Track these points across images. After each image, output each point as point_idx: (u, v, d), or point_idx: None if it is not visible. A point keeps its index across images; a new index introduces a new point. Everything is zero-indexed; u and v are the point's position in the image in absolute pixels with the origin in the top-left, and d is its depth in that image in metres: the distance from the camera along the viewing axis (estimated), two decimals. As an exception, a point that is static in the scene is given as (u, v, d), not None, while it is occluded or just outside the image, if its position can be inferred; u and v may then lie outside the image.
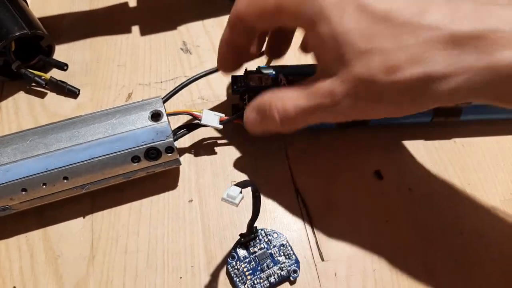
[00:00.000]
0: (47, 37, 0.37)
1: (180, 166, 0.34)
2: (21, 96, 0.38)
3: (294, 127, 0.27)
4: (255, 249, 0.30)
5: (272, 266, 0.29)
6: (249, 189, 0.25)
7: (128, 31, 0.41)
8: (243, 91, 0.33)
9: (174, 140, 0.31)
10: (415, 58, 0.21)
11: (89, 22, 0.42)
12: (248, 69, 0.34)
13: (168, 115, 0.31)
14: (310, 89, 0.25)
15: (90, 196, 0.33)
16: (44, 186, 0.29)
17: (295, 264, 0.30)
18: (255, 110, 0.28)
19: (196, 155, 0.35)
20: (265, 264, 0.30)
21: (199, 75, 0.33)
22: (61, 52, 0.40)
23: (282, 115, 0.26)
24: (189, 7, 0.43)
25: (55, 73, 0.38)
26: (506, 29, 0.20)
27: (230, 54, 0.30)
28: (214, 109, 0.35)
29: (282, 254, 0.30)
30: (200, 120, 0.32)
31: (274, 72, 0.33)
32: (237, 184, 0.24)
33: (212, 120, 0.32)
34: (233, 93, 0.34)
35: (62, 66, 0.37)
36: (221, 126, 0.32)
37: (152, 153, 0.30)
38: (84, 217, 0.32)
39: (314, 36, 0.24)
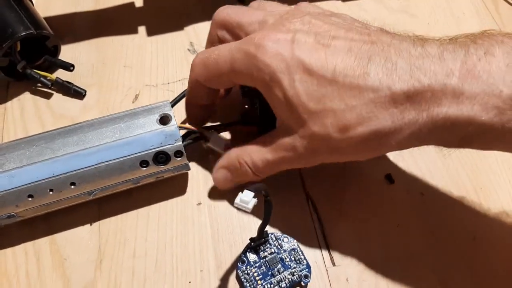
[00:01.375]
0: (53, 37, 0.37)
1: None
2: (26, 96, 0.37)
3: (267, 175, 0.29)
4: (266, 253, 0.30)
5: (283, 271, 0.29)
6: (260, 193, 0.25)
7: (135, 31, 0.41)
8: (253, 92, 0.33)
9: (186, 146, 0.30)
10: (363, 117, 0.24)
11: (95, 22, 0.42)
12: None
13: (179, 128, 0.30)
14: (274, 144, 0.27)
15: (97, 202, 0.32)
16: (51, 192, 0.29)
17: (306, 269, 0.29)
18: (225, 169, 0.29)
19: (204, 158, 0.34)
20: (275, 269, 0.29)
21: None
22: (66, 53, 0.39)
23: (254, 170, 0.28)
24: (196, 7, 0.43)
25: (60, 74, 0.38)
26: (438, 86, 0.22)
27: (197, 112, 0.32)
28: (223, 113, 0.35)
29: (293, 259, 0.30)
30: (208, 141, 0.32)
31: None
32: (249, 188, 0.23)
33: (219, 144, 0.32)
34: (243, 94, 0.33)
35: (68, 67, 0.37)
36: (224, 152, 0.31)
37: (161, 157, 0.30)
38: (91, 224, 0.32)
39: (270, 97, 0.26)
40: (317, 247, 0.31)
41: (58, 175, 0.28)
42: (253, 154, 0.28)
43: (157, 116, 0.30)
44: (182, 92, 0.33)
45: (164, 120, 0.30)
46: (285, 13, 0.28)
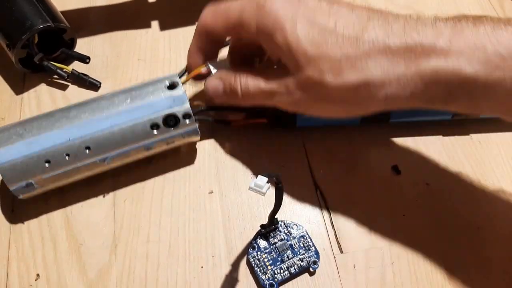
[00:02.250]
0: (69, 30, 0.38)
1: (200, 159, 0.35)
2: (43, 88, 0.38)
3: (252, 103, 0.30)
4: (275, 240, 0.31)
5: (292, 257, 0.30)
6: (272, 180, 0.25)
7: (148, 25, 0.42)
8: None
9: (196, 122, 0.32)
10: (357, 65, 0.25)
11: (109, 16, 0.43)
12: None
13: (182, 83, 0.32)
14: (271, 76, 0.29)
15: (111, 178, 0.33)
16: (67, 157, 0.30)
17: (315, 256, 0.30)
18: (220, 79, 0.31)
19: (215, 148, 0.35)
20: (285, 255, 0.30)
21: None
22: (82, 46, 0.40)
23: (244, 90, 0.30)
24: (208, 2, 0.43)
25: (76, 66, 0.39)
26: (428, 43, 0.24)
27: (199, 61, 0.33)
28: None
29: (302, 245, 0.30)
30: (211, 73, 0.33)
31: None
32: (263, 174, 0.24)
33: (223, 65, 0.33)
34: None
35: (84, 59, 0.38)
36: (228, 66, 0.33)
37: (170, 120, 0.31)
38: (104, 196, 0.33)
39: (271, 45, 0.28)
40: (325, 235, 0.32)
41: (73, 139, 0.30)
42: (249, 78, 0.29)
43: (165, 83, 0.32)
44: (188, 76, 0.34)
45: (172, 87, 0.32)
46: None
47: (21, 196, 0.31)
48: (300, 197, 0.33)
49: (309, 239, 0.31)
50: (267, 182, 0.24)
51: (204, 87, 0.32)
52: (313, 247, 0.30)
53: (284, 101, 0.29)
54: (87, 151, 0.30)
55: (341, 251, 0.31)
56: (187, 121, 0.31)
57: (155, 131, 0.31)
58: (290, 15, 0.27)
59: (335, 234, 0.32)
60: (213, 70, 0.32)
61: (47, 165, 0.30)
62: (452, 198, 0.33)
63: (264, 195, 0.24)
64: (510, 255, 0.31)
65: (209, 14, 0.30)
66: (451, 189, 0.33)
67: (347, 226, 0.32)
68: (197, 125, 0.32)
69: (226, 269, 0.30)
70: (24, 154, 0.29)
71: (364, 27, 0.26)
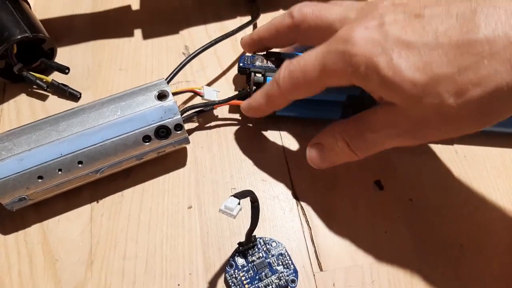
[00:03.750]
0: (49, 40, 0.37)
1: (180, 172, 0.34)
2: (22, 98, 0.38)
3: (367, 154, 0.28)
4: (254, 258, 0.30)
5: (270, 275, 0.29)
6: (248, 198, 0.25)
7: (130, 34, 0.41)
8: (248, 69, 0.34)
9: (184, 120, 0.32)
10: (481, 75, 0.21)
11: (91, 25, 0.42)
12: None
13: (173, 94, 0.32)
14: (375, 121, 0.26)
15: (90, 190, 0.33)
16: (59, 172, 0.30)
17: (294, 274, 0.30)
18: (318, 146, 0.29)
19: (195, 162, 0.35)
20: (263, 273, 0.29)
21: (201, 49, 0.35)
22: (62, 55, 0.40)
23: (352, 147, 0.27)
24: (192, 11, 0.43)
25: (56, 76, 0.38)
26: None
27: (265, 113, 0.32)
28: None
29: (280, 263, 0.30)
30: (202, 96, 0.34)
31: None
32: (235, 195, 0.24)
33: (212, 95, 0.34)
34: (239, 72, 0.34)
35: (64, 70, 0.37)
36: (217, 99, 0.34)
37: (162, 131, 0.31)
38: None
39: (370, 87, 0.24)
40: (305, 252, 0.31)
41: (65, 155, 0.30)
42: (351, 132, 0.27)
43: (155, 93, 0.31)
44: (174, 70, 0.34)
45: (162, 96, 0.31)
46: (365, 4, 0.26)
47: (14, 209, 0.30)
48: (281, 212, 0.32)
49: (288, 257, 0.30)
50: (239, 204, 0.24)
51: (307, 158, 0.30)
52: (292, 265, 0.30)
53: (401, 141, 0.26)
54: (80, 165, 0.30)
55: (321, 269, 0.30)
56: (178, 132, 0.31)
57: (146, 143, 0.31)
58: (380, 50, 0.23)
59: (315, 251, 0.31)
60: (206, 94, 0.34)
61: (40, 180, 0.30)
62: (436, 214, 0.32)
63: (234, 218, 0.23)
64: (493, 273, 0.30)
65: (287, 83, 0.28)
66: (435, 205, 0.33)
67: (328, 243, 0.31)
68: (187, 134, 0.32)
69: (203, 287, 0.30)
70: (16, 171, 0.29)
71: (474, 26, 0.21)
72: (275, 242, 0.31)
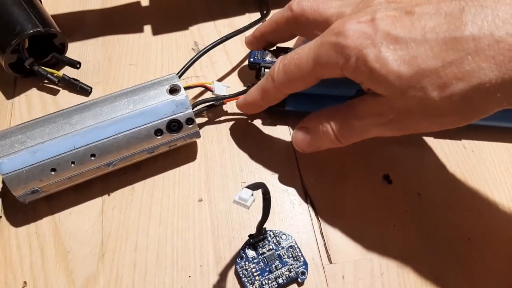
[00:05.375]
0: (60, 35, 0.37)
1: (191, 166, 0.34)
2: (33, 93, 0.38)
3: (351, 142, 0.28)
4: (264, 250, 0.30)
5: (281, 267, 0.30)
6: (259, 191, 0.25)
7: (140, 30, 0.42)
8: (258, 64, 0.34)
9: (194, 115, 0.32)
10: (465, 70, 0.21)
11: (102, 20, 0.43)
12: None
13: (184, 88, 0.32)
14: (362, 110, 0.26)
15: (100, 190, 0.33)
16: (72, 165, 0.30)
17: (303, 266, 0.30)
18: (305, 130, 0.30)
19: (205, 156, 0.35)
20: (273, 265, 0.30)
21: (211, 45, 0.36)
22: (73, 50, 0.40)
23: (336, 132, 0.28)
24: (201, 7, 0.43)
25: (67, 71, 0.38)
26: None
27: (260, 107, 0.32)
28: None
29: (290, 255, 0.30)
30: (212, 91, 0.34)
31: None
32: (248, 186, 0.24)
33: (222, 90, 0.35)
34: (249, 67, 0.35)
35: (75, 64, 0.38)
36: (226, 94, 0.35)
37: (173, 125, 0.31)
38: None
39: (360, 79, 0.25)
40: (314, 245, 0.31)
41: (78, 147, 0.30)
42: (337, 118, 0.27)
43: (166, 87, 0.32)
44: (185, 65, 0.35)
45: (174, 90, 0.32)
46: (361, 1, 0.27)
47: (26, 201, 0.31)
48: (290, 206, 0.33)
49: (298, 249, 0.30)
50: (252, 195, 0.24)
51: (292, 141, 0.31)
52: (302, 258, 0.30)
53: (385, 130, 0.26)
54: (92, 158, 0.30)
55: (330, 262, 0.31)
56: (190, 125, 0.32)
57: (158, 136, 0.31)
58: (370, 42, 0.24)
59: (325, 244, 0.31)
60: (216, 89, 0.34)
61: (52, 173, 0.30)
62: (444, 208, 0.33)
63: (248, 209, 0.23)
64: (500, 267, 0.30)
65: (282, 76, 0.28)
66: (443, 199, 0.33)
67: (337, 236, 0.32)
68: (198, 128, 0.32)
69: (213, 278, 0.30)
70: (29, 163, 0.29)
71: (461, 23, 0.21)
72: (285, 234, 0.31)
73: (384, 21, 0.24)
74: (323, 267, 0.30)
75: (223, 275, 0.30)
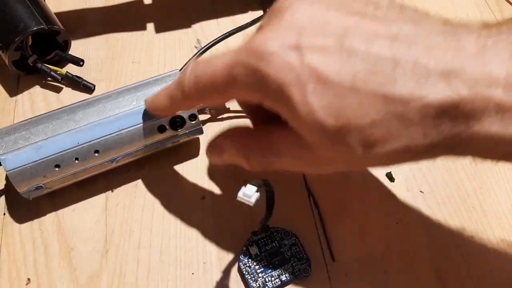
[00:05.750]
0: (63, 32, 0.37)
1: (193, 163, 0.35)
2: (36, 90, 0.38)
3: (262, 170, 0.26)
4: (267, 247, 0.30)
5: (284, 265, 0.30)
6: (262, 187, 0.25)
7: (143, 28, 0.42)
8: None
9: (198, 111, 0.32)
10: (391, 133, 0.20)
11: (105, 18, 0.43)
12: None
13: None
14: (281, 148, 0.24)
15: (103, 187, 0.33)
16: (76, 161, 0.30)
17: (306, 264, 0.30)
18: (220, 151, 0.28)
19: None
20: (276, 263, 0.30)
21: (214, 42, 0.36)
22: (76, 48, 0.40)
23: (249, 165, 0.26)
24: (204, 5, 0.43)
25: (70, 69, 0.39)
26: (478, 98, 0.19)
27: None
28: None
29: (293, 253, 0.30)
30: None
31: None
32: (252, 183, 0.24)
33: None
34: None
35: (78, 62, 0.38)
36: None
37: (177, 121, 0.31)
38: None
39: (281, 113, 0.22)
40: (317, 242, 0.31)
41: (82, 143, 0.30)
42: (253, 148, 0.25)
43: (170, 84, 0.31)
44: (187, 62, 0.35)
45: None
46: (277, 3, 0.23)
47: (30, 197, 0.31)
48: (293, 203, 0.33)
49: (300, 247, 0.30)
50: (256, 191, 0.24)
51: (206, 152, 0.29)
52: (305, 255, 0.30)
53: (303, 170, 0.26)
54: (96, 154, 0.31)
55: (333, 259, 0.31)
56: (193, 122, 0.32)
57: (161, 133, 0.31)
58: (294, 77, 0.20)
59: (327, 242, 0.31)
60: None
61: (56, 169, 0.30)
62: (446, 206, 0.33)
63: (252, 205, 0.23)
64: (503, 265, 0.30)
65: (191, 84, 0.24)
66: (445, 196, 0.33)
67: (340, 234, 0.32)
68: (201, 125, 0.32)
69: (217, 275, 0.30)
70: (33, 159, 0.29)
71: (392, 79, 0.19)
72: (288, 232, 0.31)
73: (312, 51, 0.20)
74: (326, 265, 0.31)
75: (226, 272, 0.30)
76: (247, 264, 0.30)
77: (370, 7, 0.22)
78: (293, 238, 0.31)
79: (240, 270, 0.30)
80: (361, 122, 0.20)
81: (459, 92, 0.19)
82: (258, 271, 0.30)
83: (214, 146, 0.28)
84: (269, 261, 0.30)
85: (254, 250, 0.30)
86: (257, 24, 0.24)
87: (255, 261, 0.30)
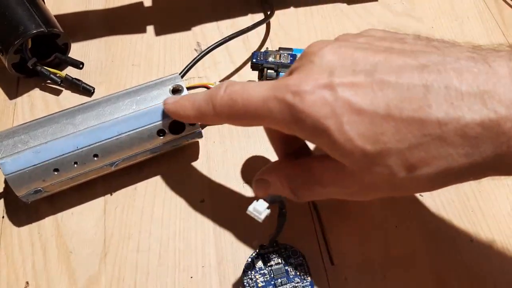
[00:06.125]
0: (63, 35, 0.37)
1: (193, 166, 0.34)
2: (36, 93, 0.38)
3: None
4: (272, 262, 0.30)
5: (286, 284, 0.29)
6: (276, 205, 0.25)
7: (143, 30, 0.42)
8: (261, 65, 0.34)
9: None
10: (431, 156, 0.21)
11: (104, 21, 0.43)
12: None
13: (186, 88, 0.32)
14: (324, 177, 0.25)
15: (102, 190, 0.33)
16: (75, 165, 0.30)
17: (309, 286, 0.29)
18: (265, 183, 0.28)
19: (207, 156, 0.35)
20: (279, 280, 0.29)
21: (214, 45, 0.35)
22: (76, 51, 0.40)
23: (295, 196, 0.26)
24: (204, 8, 0.43)
25: (70, 71, 0.39)
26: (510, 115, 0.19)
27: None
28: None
29: (298, 273, 0.30)
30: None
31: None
32: (265, 199, 0.24)
33: None
34: (252, 67, 0.35)
35: (78, 65, 0.38)
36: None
37: (176, 125, 0.31)
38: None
39: (319, 146, 0.23)
40: (316, 247, 0.31)
41: (81, 148, 0.30)
42: (298, 181, 0.26)
43: (169, 88, 0.32)
44: (187, 65, 0.35)
45: (176, 90, 0.32)
46: (307, 50, 0.25)
47: (29, 201, 0.31)
48: (292, 206, 0.33)
49: (306, 268, 0.30)
50: (267, 208, 0.23)
51: (253, 188, 0.29)
52: (308, 277, 0.30)
53: (346, 197, 0.25)
54: (95, 158, 0.30)
55: (332, 263, 0.31)
56: (192, 125, 0.32)
57: (161, 137, 0.31)
58: (330, 111, 0.21)
59: (327, 246, 0.31)
60: None
61: (55, 173, 0.30)
62: (446, 209, 0.32)
63: (261, 221, 0.23)
64: (502, 269, 0.30)
65: (225, 108, 0.25)
66: (445, 200, 0.33)
67: (339, 237, 0.31)
68: (200, 129, 0.32)
69: (215, 280, 0.30)
70: (32, 163, 0.29)
71: (426, 104, 0.20)
72: (296, 251, 0.30)
73: (344, 87, 0.22)
74: (325, 270, 0.30)
75: (225, 277, 0.30)
76: (249, 277, 0.29)
77: (396, 43, 0.23)
78: (300, 258, 0.30)
79: (241, 282, 0.30)
80: (400, 146, 0.21)
81: (497, 111, 0.19)
82: (260, 285, 0.29)
83: (260, 182, 0.28)
84: (272, 277, 0.29)
85: (259, 263, 0.30)
86: (289, 69, 0.26)
87: (258, 275, 0.29)
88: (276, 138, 0.29)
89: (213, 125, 0.32)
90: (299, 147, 0.29)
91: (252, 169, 0.34)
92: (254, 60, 0.34)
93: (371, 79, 0.21)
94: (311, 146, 0.30)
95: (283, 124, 0.24)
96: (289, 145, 0.29)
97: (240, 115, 0.25)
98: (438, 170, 0.21)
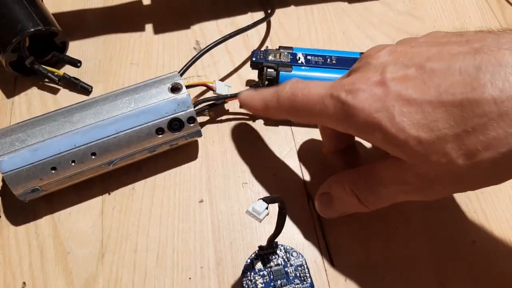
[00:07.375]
0: (61, 34, 0.37)
1: (191, 166, 0.34)
2: (34, 91, 0.38)
3: (378, 207, 0.27)
4: (272, 264, 0.30)
5: (285, 285, 0.29)
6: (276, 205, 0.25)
7: (142, 29, 0.41)
8: (261, 64, 0.34)
9: (196, 113, 0.32)
10: (491, 138, 0.20)
11: (103, 19, 0.42)
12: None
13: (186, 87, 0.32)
14: (385, 176, 0.25)
15: (100, 190, 0.33)
16: (73, 164, 0.30)
17: (309, 287, 0.29)
18: (327, 196, 0.29)
19: (206, 156, 0.35)
20: (279, 282, 0.29)
21: (213, 44, 0.35)
22: (74, 49, 0.40)
23: (362, 200, 0.26)
24: (203, 6, 0.43)
25: (68, 70, 0.38)
26: None
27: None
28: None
29: (298, 275, 0.29)
30: (214, 90, 0.34)
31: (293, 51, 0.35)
32: (264, 199, 0.23)
33: (223, 89, 0.34)
34: (252, 66, 0.34)
35: (76, 63, 0.37)
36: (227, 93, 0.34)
37: (175, 124, 0.31)
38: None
39: (373, 141, 0.24)
40: (316, 247, 0.31)
41: (79, 146, 0.30)
42: (361, 184, 0.26)
43: (168, 86, 0.32)
44: (187, 64, 0.34)
45: (175, 89, 0.32)
46: (366, 52, 0.26)
47: (26, 199, 0.31)
48: (292, 207, 0.32)
49: (306, 269, 0.30)
50: (267, 208, 0.23)
51: (316, 207, 0.30)
52: (309, 279, 0.29)
53: (412, 196, 0.25)
54: (93, 156, 0.30)
55: (333, 265, 0.30)
56: (191, 124, 0.31)
57: (160, 135, 0.31)
58: (381, 105, 0.22)
59: (327, 247, 0.31)
60: (218, 88, 0.33)
61: (53, 171, 0.30)
62: (448, 210, 0.32)
63: (260, 222, 0.23)
64: (504, 270, 0.30)
65: (287, 103, 0.27)
66: (446, 201, 0.33)
67: (339, 239, 0.31)
68: (199, 127, 0.32)
69: (214, 280, 0.30)
70: (29, 162, 0.29)
71: (479, 84, 0.20)
72: (296, 252, 0.30)
73: (395, 82, 0.22)
74: (325, 270, 0.30)
75: (224, 278, 0.30)
76: (249, 278, 0.29)
77: (455, 37, 0.23)
78: (300, 259, 0.30)
79: (240, 283, 0.29)
80: (455, 131, 0.20)
81: None
82: (259, 287, 0.29)
83: (323, 196, 0.29)
84: (272, 278, 0.29)
85: (258, 264, 0.30)
86: (348, 70, 0.27)
87: (258, 276, 0.29)
88: (328, 135, 0.30)
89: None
90: (347, 146, 0.31)
91: (251, 169, 0.34)
92: (254, 59, 0.34)
93: (422, 71, 0.22)
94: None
95: (337, 121, 0.25)
96: (340, 142, 0.30)
97: (299, 109, 0.27)
98: (499, 154, 0.20)
